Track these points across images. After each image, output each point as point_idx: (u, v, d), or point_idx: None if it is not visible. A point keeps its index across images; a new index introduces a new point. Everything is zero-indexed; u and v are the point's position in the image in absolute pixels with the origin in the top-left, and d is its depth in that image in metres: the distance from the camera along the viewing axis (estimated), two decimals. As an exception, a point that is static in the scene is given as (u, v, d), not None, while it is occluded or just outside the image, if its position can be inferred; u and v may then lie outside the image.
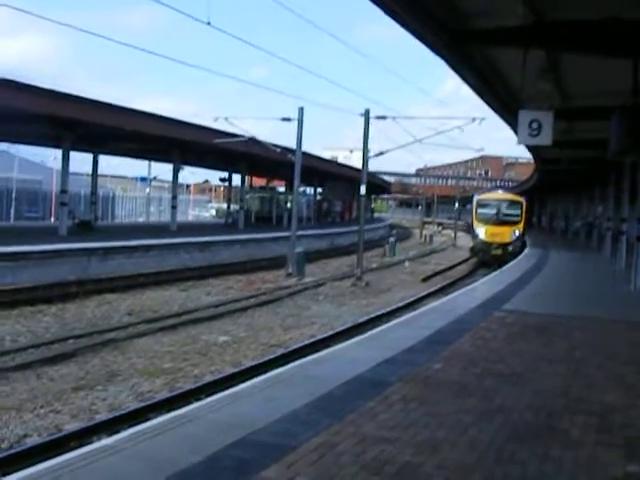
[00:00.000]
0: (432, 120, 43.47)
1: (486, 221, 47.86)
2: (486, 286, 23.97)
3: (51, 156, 68.65)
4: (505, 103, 25.63)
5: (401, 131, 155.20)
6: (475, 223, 48.70)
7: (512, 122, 25.78)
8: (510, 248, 45.66)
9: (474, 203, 49.95)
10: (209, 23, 14.89)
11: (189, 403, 10.06)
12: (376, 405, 8.68)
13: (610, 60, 18.47)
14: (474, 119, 41.24)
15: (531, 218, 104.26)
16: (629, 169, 34.18)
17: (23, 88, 28.80)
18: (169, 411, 8.45)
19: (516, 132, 19.57)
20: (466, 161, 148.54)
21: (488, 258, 45.01)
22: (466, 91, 33.39)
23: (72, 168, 40.36)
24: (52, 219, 58.71)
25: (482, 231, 47.24)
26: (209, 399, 9.07)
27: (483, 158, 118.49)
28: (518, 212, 48.94)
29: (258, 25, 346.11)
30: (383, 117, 41.19)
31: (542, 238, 65.54)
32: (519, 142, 19.29)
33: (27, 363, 15.19)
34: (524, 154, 55.53)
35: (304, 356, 12.44)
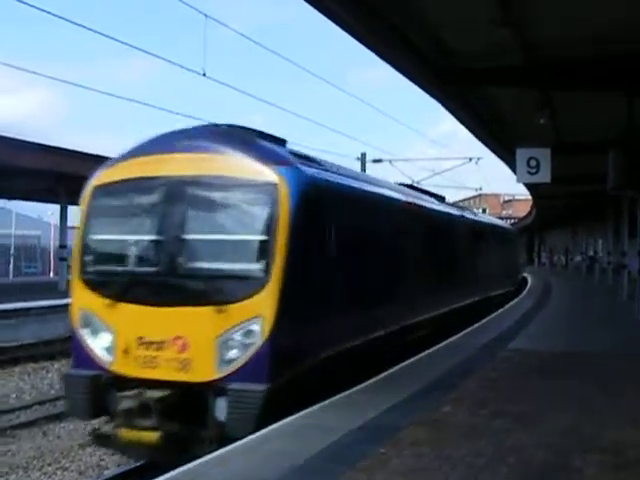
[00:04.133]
0: (429, 161, 43.87)
1: None
2: (491, 324, 23.84)
3: (49, 211, 68.69)
4: (501, 141, 25.72)
5: (398, 173, 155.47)
6: None
7: (509, 160, 25.88)
8: None
9: None
10: (204, 74, 14.94)
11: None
12: (387, 450, 8.58)
13: (604, 95, 18.57)
14: (470, 159, 41.58)
15: (531, 254, 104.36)
16: (628, 203, 34.24)
17: (18, 145, 28.85)
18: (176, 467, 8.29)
19: (514, 170, 19.65)
20: (464, 200, 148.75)
21: None
22: (463, 131, 33.55)
23: (70, 222, 40.32)
24: (51, 274, 58.39)
25: None
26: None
27: (481, 196, 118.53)
28: None
29: (253, 73, 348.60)
30: (379, 160, 41.48)
31: (543, 274, 65.38)
32: (518, 180, 19.36)
33: (33, 420, 15.07)
34: (522, 191, 55.57)
35: None
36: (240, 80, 42.45)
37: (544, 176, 18.19)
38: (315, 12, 13.37)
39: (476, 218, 33.47)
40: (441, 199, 26.14)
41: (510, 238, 44.35)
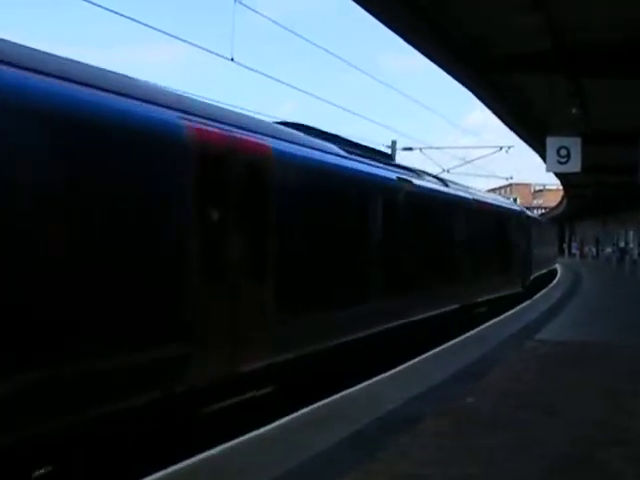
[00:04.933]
0: (460, 150, 43.66)
1: None
2: (518, 315, 23.60)
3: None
4: (532, 130, 25.45)
5: (428, 161, 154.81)
6: None
7: (540, 149, 25.59)
8: None
9: None
10: (232, 59, 14.74)
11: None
12: (409, 441, 8.44)
13: (635, 83, 18.26)
14: (501, 147, 41.18)
15: (561, 244, 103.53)
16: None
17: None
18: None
19: (544, 159, 19.38)
20: (494, 189, 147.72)
21: None
22: (495, 120, 32.60)
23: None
24: None
25: None
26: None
27: (511, 186, 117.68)
28: None
29: (284, 60, 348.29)
30: (410, 149, 41.18)
31: (573, 265, 64.82)
32: (548, 169, 19.10)
33: None
34: (552, 180, 54.92)
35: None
36: (271, 67, 42.29)
37: (574, 165, 17.91)
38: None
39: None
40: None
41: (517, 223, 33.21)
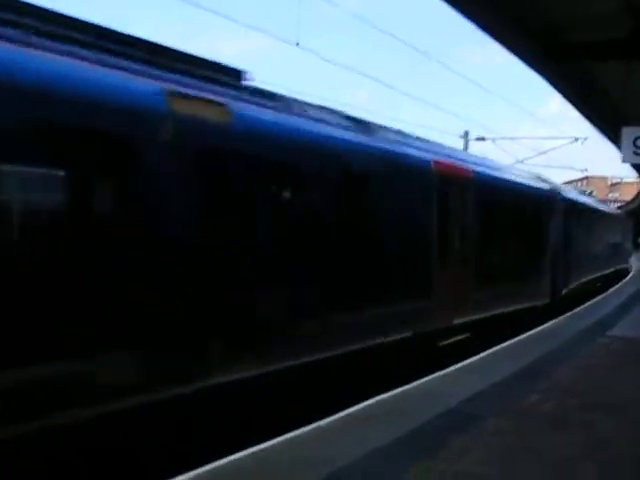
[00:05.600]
0: (534, 140, 42.71)
1: None
2: (589, 310, 23.08)
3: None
4: (608, 120, 24.78)
5: (502, 152, 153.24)
6: None
7: (616, 140, 24.91)
8: None
9: None
10: (298, 44, 14.54)
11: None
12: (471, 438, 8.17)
13: None
14: (577, 139, 40.28)
15: (636, 238, 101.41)
16: None
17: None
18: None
19: (620, 150, 18.83)
20: (570, 182, 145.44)
21: None
22: (572, 111, 31.75)
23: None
24: None
25: None
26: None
27: (587, 179, 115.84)
28: None
29: (360, 49, 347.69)
30: (482, 138, 40.62)
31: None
32: (623, 160, 18.53)
33: None
34: (630, 173, 53.58)
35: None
36: (346, 55, 42.08)
37: (651, 156, 17.31)
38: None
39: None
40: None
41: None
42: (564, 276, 25.33)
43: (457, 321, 15.44)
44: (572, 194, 30.72)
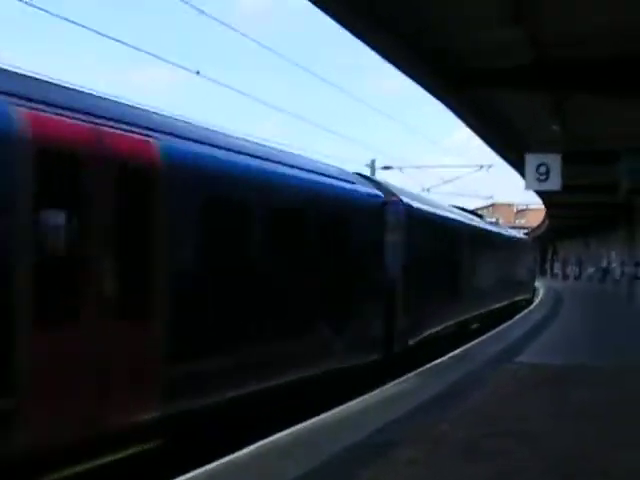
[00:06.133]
0: (440, 169, 43.39)
1: None
2: (499, 335, 23.21)
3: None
4: (511, 147, 25.15)
5: (409, 181, 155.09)
6: None
7: (520, 167, 25.29)
8: None
9: None
10: (198, 72, 14.28)
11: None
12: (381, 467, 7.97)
13: (619, 100, 17.96)
14: (481, 166, 40.90)
15: (543, 264, 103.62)
16: (641, 212, 33.62)
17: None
18: None
19: (524, 177, 19.06)
20: (476, 209, 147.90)
21: None
22: (477, 140, 32.00)
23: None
24: None
25: None
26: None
27: (494, 206, 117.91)
28: None
29: (265, 80, 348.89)
30: (389, 167, 40.93)
31: (555, 285, 64.67)
32: (527, 187, 18.81)
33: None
34: (535, 200, 54.53)
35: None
36: (249, 85, 41.88)
37: (554, 183, 17.60)
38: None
39: None
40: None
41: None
42: (413, 319, 17.83)
43: None
44: (424, 201, 21.78)
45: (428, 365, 16.39)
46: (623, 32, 14.17)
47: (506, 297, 35.60)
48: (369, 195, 15.49)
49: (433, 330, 19.97)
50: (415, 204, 18.68)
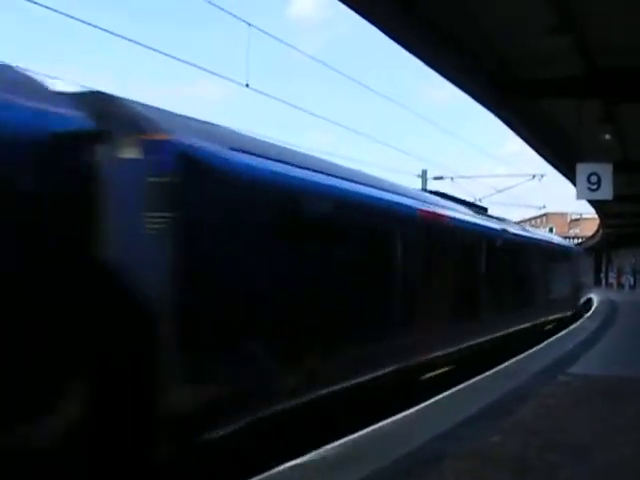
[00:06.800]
0: (492, 179, 43.06)
1: None
2: (552, 345, 22.96)
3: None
4: (562, 156, 24.95)
5: (461, 191, 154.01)
6: None
7: (571, 176, 25.06)
8: None
9: None
10: (247, 85, 14.39)
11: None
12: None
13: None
14: (534, 176, 40.59)
15: (598, 275, 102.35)
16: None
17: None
18: None
19: (576, 187, 18.87)
20: (529, 219, 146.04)
21: None
22: (530, 151, 31.42)
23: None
24: None
25: None
26: None
27: (547, 215, 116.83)
28: None
29: (320, 92, 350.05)
30: (440, 177, 40.83)
31: (610, 295, 63.76)
32: (578, 197, 18.58)
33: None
34: (589, 209, 53.91)
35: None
36: (305, 98, 42.04)
37: (605, 193, 17.35)
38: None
39: None
40: None
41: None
42: None
43: None
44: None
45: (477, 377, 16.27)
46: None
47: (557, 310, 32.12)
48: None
49: None
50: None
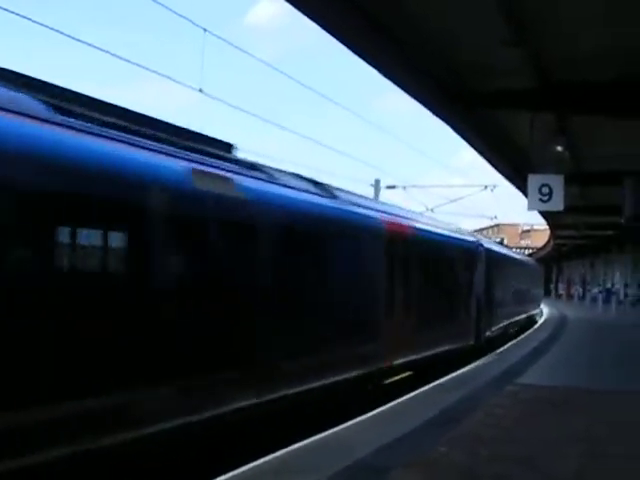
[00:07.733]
0: (446, 189, 43.25)
1: None
2: (500, 356, 23.09)
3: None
4: (515, 168, 25.15)
5: (413, 201, 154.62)
6: None
7: (523, 188, 25.27)
8: None
9: None
10: (201, 90, 14.24)
11: None
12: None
13: (622, 122, 17.95)
14: (486, 186, 40.86)
15: (548, 285, 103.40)
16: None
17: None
18: None
19: (527, 198, 19.01)
20: (481, 229, 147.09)
21: None
22: (483, 160, 31.57)
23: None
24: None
25: None
26: None
27: (499, 226, 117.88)
28: None
29: (272, 99, 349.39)
30: (393, 186, 40.91)
31: (559, 305, 64.44)
32: (529, 208, 18.72)
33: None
34: (540, 220, 54.44)
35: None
36: (256, 104, 42.24)
37: (556, 204, 17.50)
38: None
39: None
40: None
41: None
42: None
43: None
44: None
45: (425, 387, 16.25)
46: (626, 54, 14.15)
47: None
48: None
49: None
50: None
